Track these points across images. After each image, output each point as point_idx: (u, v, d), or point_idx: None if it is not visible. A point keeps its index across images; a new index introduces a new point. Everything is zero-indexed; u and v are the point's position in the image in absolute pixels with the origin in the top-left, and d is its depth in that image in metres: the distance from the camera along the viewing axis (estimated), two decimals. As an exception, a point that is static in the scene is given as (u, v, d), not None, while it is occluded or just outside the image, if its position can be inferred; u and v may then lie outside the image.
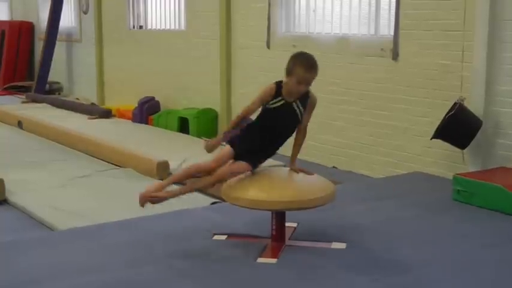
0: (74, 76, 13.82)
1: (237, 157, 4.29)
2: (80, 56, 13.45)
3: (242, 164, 4.27)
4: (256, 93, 4.38)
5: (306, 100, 4.35)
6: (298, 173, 4.41)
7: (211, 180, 4.28)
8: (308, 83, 4.26)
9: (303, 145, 4.52)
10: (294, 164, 4.47)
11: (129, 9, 11.73)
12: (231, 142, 4.34)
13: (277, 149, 4.42)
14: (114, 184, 6.64)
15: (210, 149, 4.34)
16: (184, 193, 4.40)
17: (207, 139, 4.39)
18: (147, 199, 4.33)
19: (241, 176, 4.31)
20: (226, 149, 4.32)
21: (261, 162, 4.39)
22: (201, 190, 4.41)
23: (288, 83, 4.26)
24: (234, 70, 9.14)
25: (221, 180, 4.28)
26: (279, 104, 4.27)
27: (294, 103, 4.29)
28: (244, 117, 4.34)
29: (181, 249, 4.34)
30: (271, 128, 4.32)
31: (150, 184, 4.61)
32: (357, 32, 7.40)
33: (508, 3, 5.79)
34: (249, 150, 4.29)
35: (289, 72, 4.25)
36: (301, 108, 4.33)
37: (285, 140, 4.40)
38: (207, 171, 4.31)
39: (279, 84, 4.29)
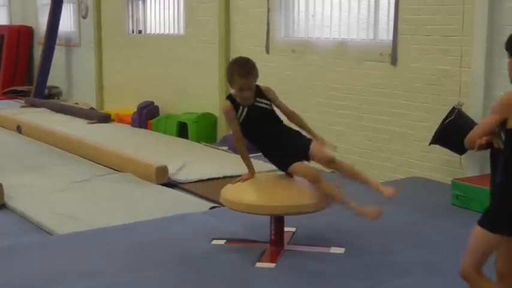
0: (73, 81, 13.82)
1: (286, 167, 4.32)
2: (79, 60, 13.44)
3: (296, 164, 4.27)
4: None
5: (262, 94, 4.38)
6: (325, 144, 4.40)
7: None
8: (249, 87, 4.30)
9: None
10: (318, 137, 4.45)
11: (128, 14, 11.73)
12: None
13: (291, 138, 4.38)
14: (113, 189, 6.63)
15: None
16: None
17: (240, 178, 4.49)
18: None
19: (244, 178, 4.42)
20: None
21: (296, 159, 4.32)
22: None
23: (234, 93, 4.34)
24: (233, 75, 9.12)
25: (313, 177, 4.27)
26: (245, 112, 4.33)
27: (255, 102, 4.35)
28: (240, 143, 4.39)
29: (180, 253, 4.35)
30: (262, 131, 4.36)
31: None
32: (356, 36, 7.41)
33: (506, 9, 5.80)
34: (282, 157, 4.31)
35: (229, 82, 4.35)
36: (264, 100, 4.37)
37: (282, 129, 4.40)
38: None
39: (231, 98, 4.35)
